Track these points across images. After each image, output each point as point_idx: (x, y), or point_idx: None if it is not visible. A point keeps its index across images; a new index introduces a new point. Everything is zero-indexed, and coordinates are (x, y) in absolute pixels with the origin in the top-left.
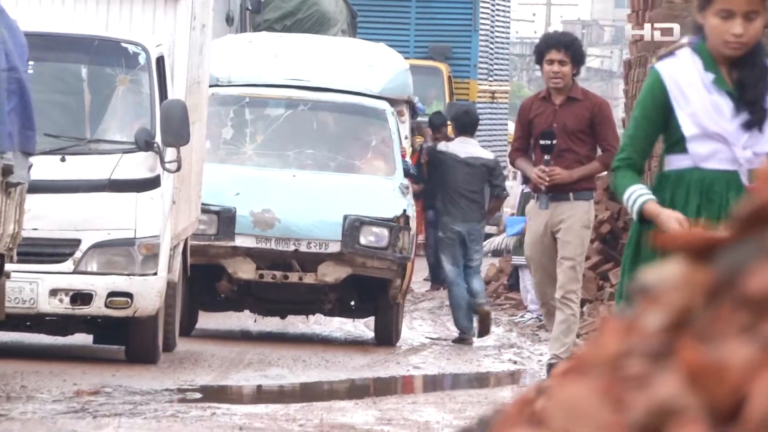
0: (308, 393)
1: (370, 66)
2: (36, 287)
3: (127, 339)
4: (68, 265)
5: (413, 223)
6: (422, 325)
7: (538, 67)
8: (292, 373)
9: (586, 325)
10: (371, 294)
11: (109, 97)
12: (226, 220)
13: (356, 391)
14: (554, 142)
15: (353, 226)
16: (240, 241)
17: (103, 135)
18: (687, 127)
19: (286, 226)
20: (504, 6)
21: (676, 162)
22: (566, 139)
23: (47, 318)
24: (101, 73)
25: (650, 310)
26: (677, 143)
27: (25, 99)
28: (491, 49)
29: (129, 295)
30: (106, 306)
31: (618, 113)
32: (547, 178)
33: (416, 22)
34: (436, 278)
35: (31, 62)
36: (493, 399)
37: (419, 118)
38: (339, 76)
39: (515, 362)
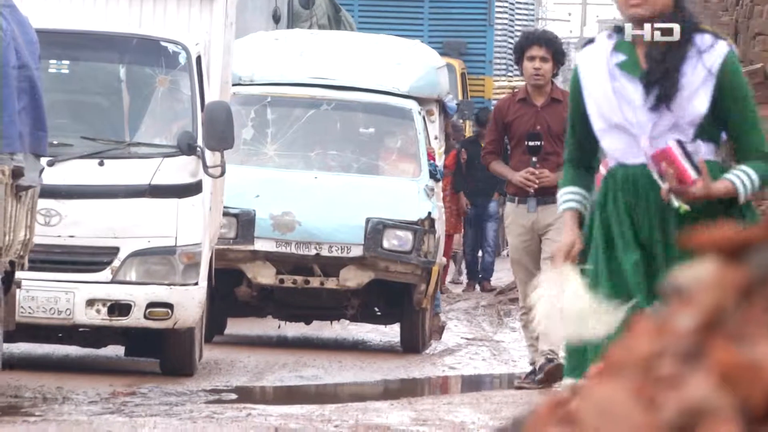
0: (343, 394)
1: (398, 64)
2: (72, 297)
3: (162, 351)
4: (106, 274)
5: (439, 226)
6: (458, 325)
7: (569, 66)
8: (327, 374)
9: None
10: (396, 299)
11: (149, 98)
12: (245, 223)
13: (391, 392)
14: (542, 143)
15: (376, 229)
16: (260, 245)
17: (143, 138)
18: (594, 121)
19: (307, 229)
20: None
21: (609, 160)
22: (550, 141)
23: (81, 329)
24: (140, 73)
25: (682, 310)
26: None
27: (36, 98)
28: (509, 43)
29: (169, 306)
30: (145, 317)
31: None
32: (537, 181)
33: (429, 18)
34: (473, 276)
35: (66, 61)
36: (529, 399)
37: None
38: (365, 75)
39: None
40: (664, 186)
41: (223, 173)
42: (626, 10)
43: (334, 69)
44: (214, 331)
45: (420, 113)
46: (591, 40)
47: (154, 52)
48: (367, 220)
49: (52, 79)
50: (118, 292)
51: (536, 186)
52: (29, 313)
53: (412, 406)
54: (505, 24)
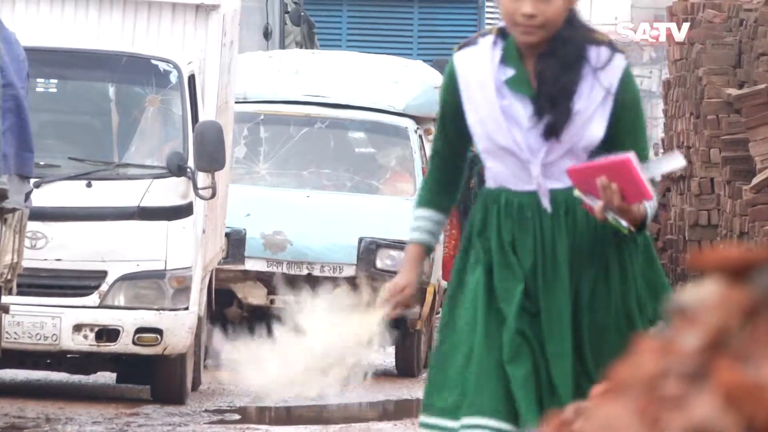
0: (347, 414)
1: (395, 82)
2: (59, 322)
3: (153, 378)
4: (93, 298)
5: (437, 247)
6: None
7: None
8: (330, 395)
9: None
10: (391, 321)
11: (139, 118)
12: (235, 242)
13: (395, 412)
14: None
15: (369, 249)
16: (250, 265)
17: (132, 159)
18: (478, 141)
19: (299, 248)
20: None
21: (489, 179)
22: None
23: (69, 356)
24: (130, 92)
25: (687, 330)
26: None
27: (22, 118)
28: None
29: (159, 332)
30: (134, 343)
31: (658, 133)
32: None
33: (419, 35)
34: None
35: (54, 80)
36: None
37: None
38: (360, 93)
39: None
40: (597, 204)
41: (213, 195)
42: (517, 36)
43: (329, 87)
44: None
45: (416, 132)
46: (472, 42)
47: (144, 71)
48: (360, 240)
49: (39, 98)
50: (106, 317)
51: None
52: (15, 338)
53: (415, 426)
54: None
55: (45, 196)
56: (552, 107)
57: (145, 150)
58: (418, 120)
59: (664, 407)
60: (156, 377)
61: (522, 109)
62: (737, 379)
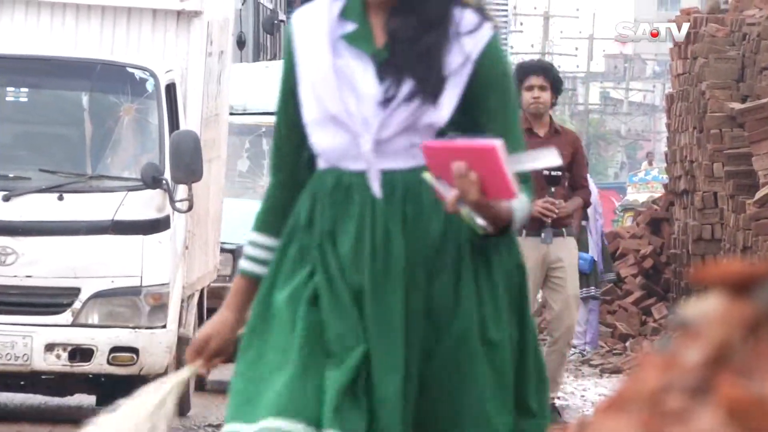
0: None
1: None
2: (30, 342)
3: None
4: (66, 316)
5: None
6: None
7: (576, 100)
8: None
9: (628, 360)
10: None
11: (113, 128)
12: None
13: None
14: (562, 173)
15: None
16: None
17: (106, 171)
18: (307, 109)
19: None
20: (497, 23)
21: (319, 159)
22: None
23: (44, 377)
24: (104, 101)
25: (690, 344)
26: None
27: None
28: None
29: (134, 351)
30: (109, 363)
31: (661, 147)
32: (556, 210)
33: None
34: None
35: (24, 89)
36: None
37: None
38: None
39: (558, 397)
40: (450, 194)
41: (190, 208)
42: None
43: None
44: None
45: None
46: None
47: (119, 79)
48: None
49: (9, 108)
50: (80, 336)
51: (555, 216)
52: None
53: None
54: None
55: (15, 210)
56: (409, 71)
57: (119, 161)
58: None
59: (667, 422)
60: None
61: (361, 71)
62: (740, 393)
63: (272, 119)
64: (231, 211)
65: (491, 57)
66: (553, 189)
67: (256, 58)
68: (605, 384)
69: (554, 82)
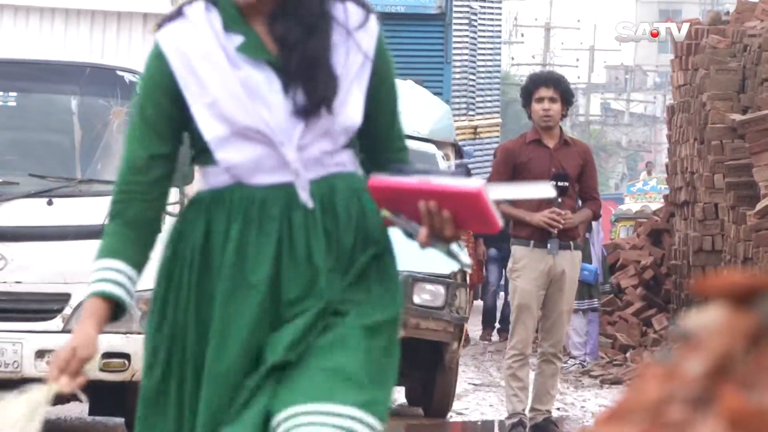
0: None
1: (418, 106)
2: (20, 348)
3: (125, 408)
4: (56, 323)
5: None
6: (465, 371)
7: (577, 111)
8: None
9: (629, 371)
10: (420, 359)
11: (102, 131)
12: None
13: None
14: (567, 184)
15: (406, 284)
16: None
17: (96, 175)
18: (208, 127)
19: None
20: (491, 33)
21: (212, 178)
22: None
23: (34, 384)
24: (93, 104)
25: (690, 356)
26: (205, 151)
27: None
28: (470, 81)
29: (126, 356)
30: (100, 369)
31: (662, 159)
32: (563, 221)
33: None
34: (489, 323)
35: (13, 93)
36: None
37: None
38: None
39: (558, 408)
40: (422, 232)
41: None
42: None
43: None
44: None
45: (443, 158)
46: (175, 16)
47: (108, 82)
48: None
49: None
50: None
51: (561, 227)
52: None
53: None
54: (465, 61)
55: (3, 215)
56: (304, 79)
57: (109, 165)
58: (437, 145)
59: None
60: (128, 407)
61: (265, 81)
62: (741, 404)
63: None
64: None
65: (383, 51)
66: (560, 200)
67: None
68: (606, 395)
69: (565, 93)
